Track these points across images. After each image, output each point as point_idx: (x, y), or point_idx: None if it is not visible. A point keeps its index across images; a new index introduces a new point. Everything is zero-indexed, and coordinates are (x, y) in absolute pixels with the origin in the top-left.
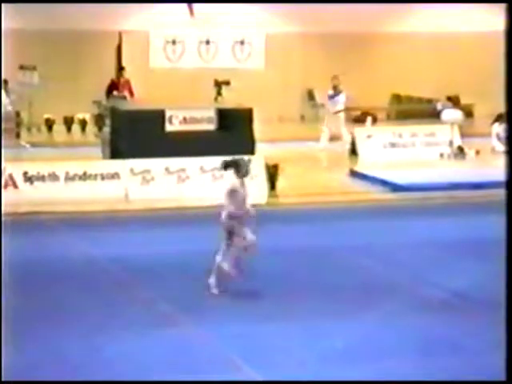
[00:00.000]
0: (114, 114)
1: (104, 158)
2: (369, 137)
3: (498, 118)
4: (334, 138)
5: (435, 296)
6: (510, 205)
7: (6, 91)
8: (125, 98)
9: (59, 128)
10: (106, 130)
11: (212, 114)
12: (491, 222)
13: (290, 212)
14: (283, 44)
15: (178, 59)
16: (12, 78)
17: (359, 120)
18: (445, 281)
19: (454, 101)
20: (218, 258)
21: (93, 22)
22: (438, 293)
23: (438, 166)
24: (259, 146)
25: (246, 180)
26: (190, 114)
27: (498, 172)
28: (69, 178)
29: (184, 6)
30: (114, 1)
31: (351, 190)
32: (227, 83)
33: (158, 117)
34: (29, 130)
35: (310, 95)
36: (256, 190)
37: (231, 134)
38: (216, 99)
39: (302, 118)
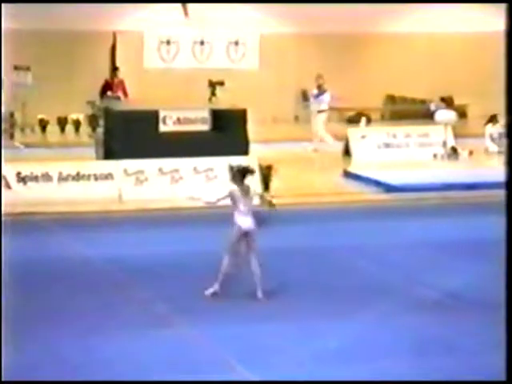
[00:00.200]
0: (108, 114)
1: (98, 158)
2: (363, 137)
3: (492, 119)
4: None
5: (429, 296)
6: (509, 205)
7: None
8: (119, 98)
9: (53, 128)
10: (100, 130)
11: (206, 114)
12: (485, 222)
13: (283, 213)
14: (277, 44)
15: (172, 59)
16: (6, 78)
17: (353, 120)
18: (439, 281)
19: (447, 101)
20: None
21: (87, 23)
22: (432, 293)
23: (431, 166)
24: (253, 147)
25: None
26: (183, 115)
27: (492, 172)
28: (62, 179)
29: (178, 6)
30: (109, 1)
31: (345, 190)
32: (221, 84)
33: (152, 117)
34: (22, 130)
35: (304, 96)
36: None
37: (225, 134)
38: (210, 100)
39: (296, 118)
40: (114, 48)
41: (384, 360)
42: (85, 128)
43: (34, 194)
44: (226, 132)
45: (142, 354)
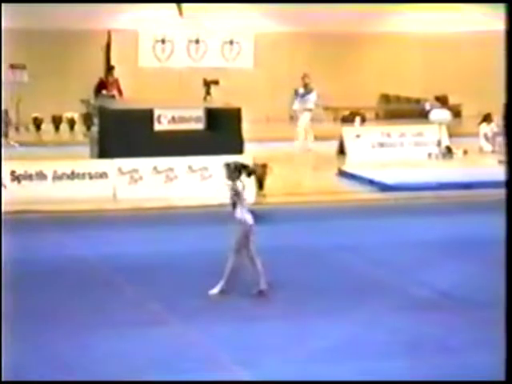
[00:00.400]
0: (103, 113)
1: (92, 157)
2: (357, 136)
3: (486, 118)
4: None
5: (422, 295)
6: (509, 205)
7: None
8: (113, 97)
9: (47, 127)
10: (95, 129)
11: (201, 113)
12: (479, 221)
13: (277, 211)
14: (272, 44)
15: (166, 58)
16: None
17: (348, 120)
18: (432, 280)
19: (442, 101)
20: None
21: (82, 21)
22: (426, 292)
23: (426, 165)
24: (247, 146)
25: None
26: (178, 114)
27: (486, 172)
28: (57, 177)
29: (173, 5)
30: (103, 0)
31: (339, 189)
32: (216, 83)
33: (147, 116)
34: (17, 129)
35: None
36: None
37: (220, 133)
38: (205, 99)
39: (291, 117)
40: (108, 47)
41: (378, 359)
42: (79, 127)
43: (29, 192)
44: (221, 131)
45: (135, 352)
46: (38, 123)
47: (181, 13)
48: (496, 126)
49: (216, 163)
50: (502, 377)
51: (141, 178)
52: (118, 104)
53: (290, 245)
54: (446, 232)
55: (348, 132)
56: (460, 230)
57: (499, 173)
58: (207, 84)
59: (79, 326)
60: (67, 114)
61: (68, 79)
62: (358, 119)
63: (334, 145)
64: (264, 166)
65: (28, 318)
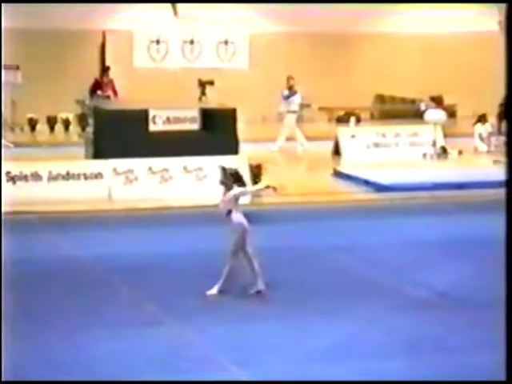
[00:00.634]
0: (98, 113)
1: (87, 157)
2: (352, 137)
3: (481, 119)
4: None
5: (419, 295)
6: (509, 204)
7: None
8: (108, 97)
9: (42, 128)
10: (90, 129)
11: (196, 113)
12: (474, 221)
13: (273, 212)
14: (267, 44)
15: (161, 59)
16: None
17: (343, 120)
18: (429, 280)
19: (437, 101)
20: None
21: (76, 22)
22: (422, 292)
23: (421, 166)
24: (243, 146)
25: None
26: (173, 114)
27: (481, 172)
28: (52, 178)
29: (168, 5)
30: (98, 0)
31: (335, 190)
32: (211, 83)
33: (142, 116)
34: (12, 129)
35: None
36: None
37: (215, 133)
38: (200, 99)
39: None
40: (103, 47)
41: (376, 359)
42: (74, 127)
43: (24, 193)
44: (216, 131)
45: (132, 352)
46: (32, 124)
47: (175, 13)
48: (491, 126)
49: (211, 164)
50: (501, 376)
51: (136, 178)
52: (113, 104)
53: (287, 245)
54: (441, 232)
55: (343, 132)
56: (455, 230)
57: (494, 173)
58: (202, 84)
59: (75, 326)
60: (62, 115)
61: (63, 80)
62: (353, 119)
63: (329, 145)
64: (259, 167)
65: (24, 319)
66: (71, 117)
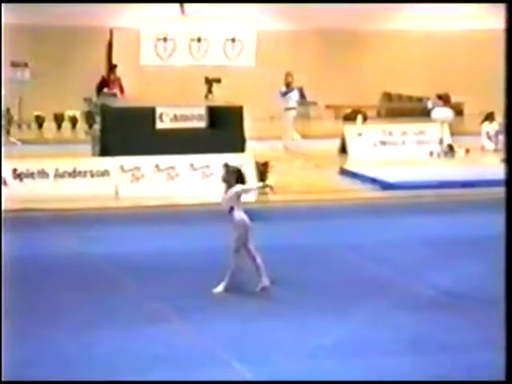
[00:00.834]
0: (105, 111)
1: (94, 155)
2: (359, 135)
3: (488, 117)
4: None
5: (424, 293)
6: (509, 203)
7: None
8: (115, 95)
9: (49, 125)
10: (97, 127)
11: (202, 111)
12: (481, 220)
13: (279, 210)
14: (274, 41)
15: (168, 57)
16: (3, 74)
17: (349, 118)
18: (434, 278)
19: (444, 99)
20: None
21: (84, 19)
22: (428, 290)
23: (427, 164)
24: (249, 144)
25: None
26: (180, 112)
27: (488, 170)
28: (58, 175)
29: (175, 3)
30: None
31: (341, 188)
32: (218, 81)
33: (149, 114)
34: (19, 126)
35: (301, 93)
36: None
37: (222, 131)
38: (207, 97)
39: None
40: (110, 45)
41: (380, 357)
42: (81, 125)
43: (30, 190)
44: (223, 129)
45: (138, 350)
46: (40, 121)
47: (183, 11)
48: (498, 124)
49: (218, 161)
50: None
51: (143, 176)
52: (120, 102)
53: (293, 243)
54: (447, 230)
55: (350, 130)
56: (462, 229)
57: (501, 171)
58: (209, 82)
59: (81, 324)
60: (69, 112)
61: (70, 77)
62: (359, 117)
63: (336, 143)
64: (265, 165)
65: (31, 316)
66: (78, 114)
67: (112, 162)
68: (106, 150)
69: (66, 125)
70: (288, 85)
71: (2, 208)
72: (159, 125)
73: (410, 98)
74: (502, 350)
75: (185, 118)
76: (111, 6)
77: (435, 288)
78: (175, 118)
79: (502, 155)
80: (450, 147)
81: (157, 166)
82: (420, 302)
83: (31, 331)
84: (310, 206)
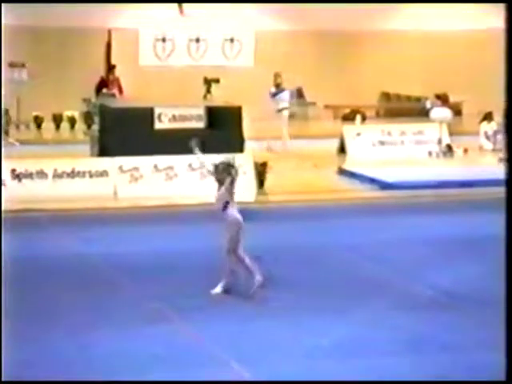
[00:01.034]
0: (103, 111)
1: (93, 155)
2: (358, 135)
3: (486, 117)
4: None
5: (424, 293)
6: (509, 202)
7: None
8: (114, 95)
9: (48, 125)
10: (95, 127)
11: (201, 111)
12: (479, 220)
13: (278, 210)
14: (273, 42)
15: (167, 57)
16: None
17: (348, 118)
18: (433, 278)
19: (442, 99)
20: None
21: (82, 20)
22: (427, 290)
23: (426, 164)
24: (248, 144)
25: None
26: (179, 112)
27: (486, 170)
28: (57, 176)
29: (174, 3)
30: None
31: (340, 187)
32: (217, 81)
33: (147, 114)
34: (17, 127)
35: (300, 93)
36: (244, 188)
37: (220, 131)
38: (205, 97)
39: (291, 116)
40: (109, 45)
41: (378, 357)
42: (80, 125)
43: (29, 191)
44: (222, 129)
45: (137, 350)
46: (38, 121)
47: (181, 11)
48: (496, 124)
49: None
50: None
51: (141, 176)
52: (119, 102)
53: (291, 243)
54: (446, 230)
55: (348, 130)
56: (461, 229)
57: (499, 171)
58: (208, 82)
59: (80, 324)
60: (68, 113)
61: (69, 78)
62: (358, 117)
63: (335, 143)
64: (264, 165)
65: (29, 317)
66: (77, 115)
67: (111, 163)
68: (104, 150)
69: (65, 125)
70: (277, 86)
71: (2, 208)
72: (158, 125)
73: (408, 98)
74: (502, 350)
75: (183, 118)
76: (110, 7)
77: (434, 288)
78: (174, 118)
79: (500, 155)
80: (449, 147)
81: (155, 167)
82: (419, 301)
83: (30, 332)
84: (308, 206)
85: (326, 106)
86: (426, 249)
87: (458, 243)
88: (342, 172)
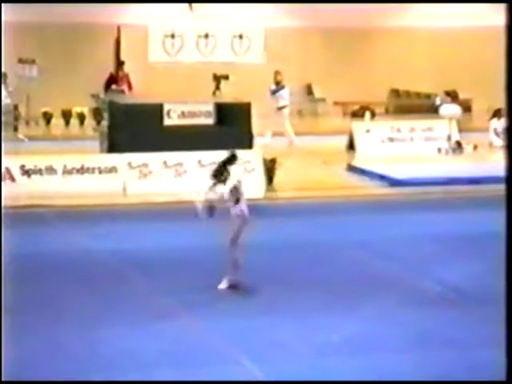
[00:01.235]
0: (112, 107)
1: (102, 151)
2: (367, 131)
3: (496, 113)
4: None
5: (432, 290)
6: (510, 200)
7: (5, 84)
8: (123, 91)
9: (57, 121)
10: (104, 123)
11: (210, 108)
12: (489, 216)
13: (287, 206)
14: (282, 38)
15: (176, 53)
16: (10, 70)
17: (357, 114)
18: (442, 275)
19: (452, 95)
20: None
21: (91, 16)
22: (435, 287)
23: (435, 160)
24: (257, 140)
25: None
26: (188, 108)
27: (496, 167)
28: (66, 172)
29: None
30: None
31: (349, 184)
32: (226, 77)
33: (157, 111)
34: (27, 123)
35: (309, 90)
36: (253, 185)
37: (229, 128)
38: (214, 93)
39: (300, 112)
40: (118, 42)
41: (386, 354)
42: (89, 121)
43: (38, 186)
44: (231, 126)
45: (144, 346)
46: (47, 117)
47: (191, 8)
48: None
49: None
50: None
51: (150, 172)
52: (128, 99)
53: (300, 240)
54: (455, 227)
55: (358, 127)
56: (470, 225)
57: None
58: (217, 79)
59: (89, 320)
60: (77, 109)
61: (78, 74)
62: (367, 114)
63: (344, 140)
64: (273, 161)
65: (38, 313)
66: (86, 111)
67: (120, 159)
68: (113, 146)
69: (74, 121)
70: (277, 83)
71: (10, 204)
72: (167, 121)
73: (418, 95)
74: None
75: (193, 114)
76: (119, 3)
77: (443, 284)
78: (183, 114)
79: None
80: (458, 144)
81: (164, 163)
82: (427, 298)
83: (38, 328)
84: (317, 202)
85: (336, 103)
86: (434, 245)
87: (467, 240)
88: (351, 169)
